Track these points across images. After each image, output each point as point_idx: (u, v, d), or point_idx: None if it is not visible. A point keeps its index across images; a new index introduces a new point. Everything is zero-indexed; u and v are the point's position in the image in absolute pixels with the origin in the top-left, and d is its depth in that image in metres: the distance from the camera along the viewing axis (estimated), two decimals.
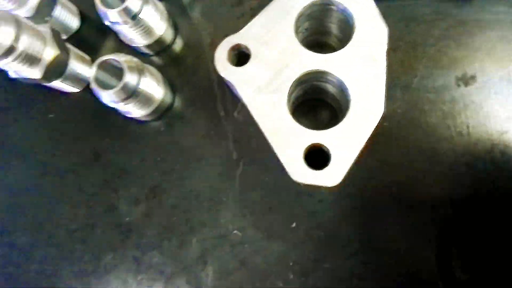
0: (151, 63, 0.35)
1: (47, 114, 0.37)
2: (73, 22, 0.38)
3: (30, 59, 0.31)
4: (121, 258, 0.33)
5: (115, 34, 0.36)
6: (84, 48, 0.37)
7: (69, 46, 0.35)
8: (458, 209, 0.28)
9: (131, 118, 0.34)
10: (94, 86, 0.30)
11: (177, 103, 0.35)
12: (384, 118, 0.30)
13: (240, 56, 0.26)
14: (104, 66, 0.31)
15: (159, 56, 0.37)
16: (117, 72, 0.31)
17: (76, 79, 0.36)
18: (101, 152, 0.35)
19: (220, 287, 0.30)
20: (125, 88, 0.30)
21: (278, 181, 0.31)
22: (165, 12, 0.35)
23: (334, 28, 0.28)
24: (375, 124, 0.23)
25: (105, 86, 0.30)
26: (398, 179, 0.29)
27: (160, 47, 0.36)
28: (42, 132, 0.37)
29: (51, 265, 0.35)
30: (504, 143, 0.29)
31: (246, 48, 0.26)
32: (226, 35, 0.26)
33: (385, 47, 0.24)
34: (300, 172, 0.23)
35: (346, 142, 0.23)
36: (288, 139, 0.24)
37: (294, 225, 0.30)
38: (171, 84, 0.35)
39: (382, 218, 0.29)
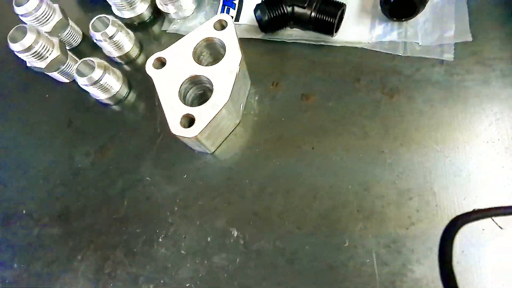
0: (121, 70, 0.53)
1: (44, 94, 0.55)
2: (77, 40, 0.58)
3: (41, 56, 0.49)
4: (71, 192, 0.47)
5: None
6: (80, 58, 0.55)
7: (70, 53, 0.53)
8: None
9: (98, 101, 0.51)
10: (75, 73, 0.47)
11: (130, 96, 0.53)
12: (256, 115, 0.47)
13: (160, 64, 0.44)
14: (85, 63, 0.48)
15: (128, 66, 0.55)
16: (92, 68, 0.48)
17: (68, 73, 0.54)
18: (73, 120, 0.52)
19: (130, 213, 0.44)
20: (92, 77, 0.47)
21: (181, 149, 0.46)
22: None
23: (222, 52, 0.46)
24: (221, 107, 0.39)
25: (82, 76, 0.48)
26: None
27: (127, 59, 0.55)
28: (37, 104, 0.54)
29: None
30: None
31: (164, 59, 0.43)
32: None
33: (237, 65, 0.41)
34: (176, 129, 0.39)
35: (204, 115, 0.39)
36: (173, 109, 0.40)
37: (185, 176, 0.45)
38: (130, 83, 0.53)
39: (240, 174, 0.44)
